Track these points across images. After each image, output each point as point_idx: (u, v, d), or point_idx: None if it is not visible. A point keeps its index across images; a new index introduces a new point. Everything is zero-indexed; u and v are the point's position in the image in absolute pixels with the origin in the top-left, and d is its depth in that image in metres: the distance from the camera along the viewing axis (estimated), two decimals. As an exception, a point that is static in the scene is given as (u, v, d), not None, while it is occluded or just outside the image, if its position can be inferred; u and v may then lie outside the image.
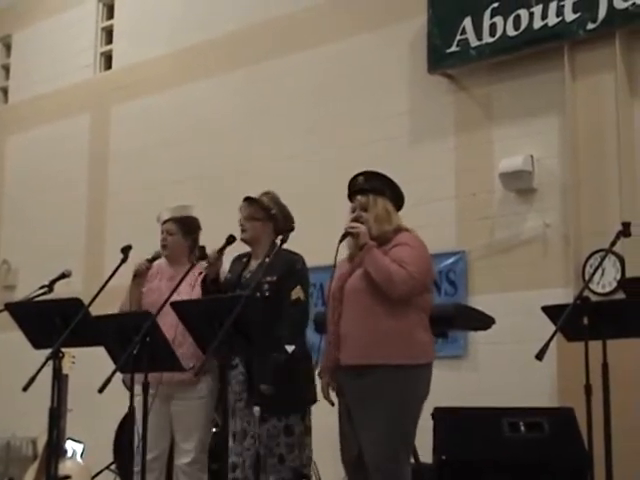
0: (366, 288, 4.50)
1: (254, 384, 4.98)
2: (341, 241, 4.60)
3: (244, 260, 5.31)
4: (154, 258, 5.52)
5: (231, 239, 5.11)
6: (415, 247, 4.57)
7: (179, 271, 5.47)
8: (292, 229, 5.24)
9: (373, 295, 4.47)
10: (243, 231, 5.26)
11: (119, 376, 4.94)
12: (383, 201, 4.66)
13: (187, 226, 5.65)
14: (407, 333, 4.47)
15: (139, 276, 5.50)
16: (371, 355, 4.44)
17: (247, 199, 5.32)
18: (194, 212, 5.78)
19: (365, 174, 4.74)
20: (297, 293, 5.09)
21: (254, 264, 5.25)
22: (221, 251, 5.11)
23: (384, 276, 4.42)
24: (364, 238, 4.53)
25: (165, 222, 5.63)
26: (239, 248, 5.36)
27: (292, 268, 5.13)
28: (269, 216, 5.25)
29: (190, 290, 5.33)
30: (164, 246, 5.60)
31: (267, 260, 5.13)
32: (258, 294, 4.91)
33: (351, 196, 4.75)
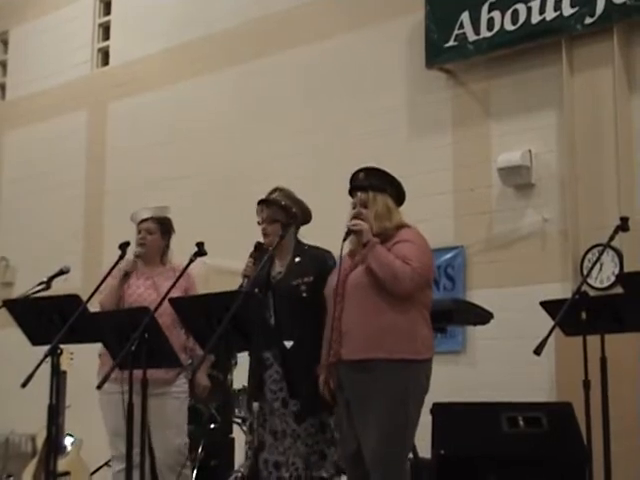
0: (368, 284, 4.49)
1: (290, 381, 4.95)
2: (345, 239, 4.58)
3: (265, 259, 5.11)
4: (138, 256, 5.51)
5: (259, 245, 5.03)
6: (418, 243, 4.57)
7: (154, 272, 5.52)
8: (309, 221, 5.23)
9: (375, 291, 4.47)
10: (266, 235, 5.10)
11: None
12: (383, 198, 4.65)
13: (165, 226, 5.65)
14: (409, 328, 4.47)
15: (128, 275, 5.48)
16: (373, 349, 4.43)
17: (264, 201, 5.18)
18: (179, 213, 5.77)
19: (365, 170, 4.73)
20: None
21: (279, 263, 5.14)
22: (255, 262, 4.97)
23: (389, 273, 4.42)
24: (367, 235, 4.52)
25: (144, 221, 5.61)
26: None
27: (324, 265, 5.01)
28: (289, 215, 5.14)
29: (178, 293, 5.32)
30: (142, 244, 5.56)
31: (297, 260, 5.10)
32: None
33: (352, 192, 4.75)
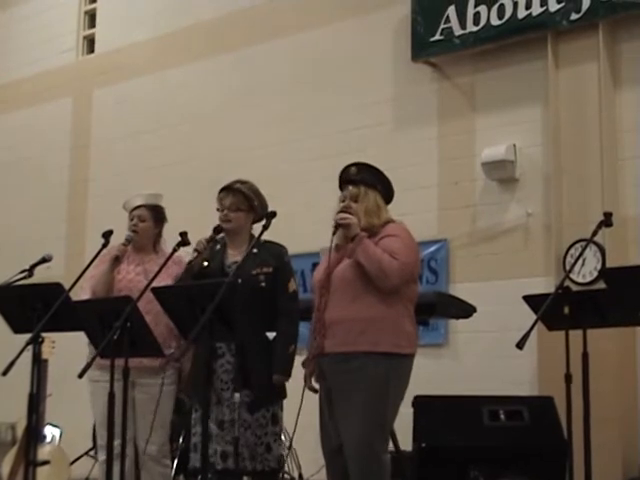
0: (354, 277, 4.48)
1: (247, 371, 4.97)
2: (334, 233, 4.56)
3: (218, 247, 5.23)
4: (128, 241, 5.48)
5: (219, 229, 5.09)
6: (404, 239, 4.56)
7: (145, 259, 5.48)
8: (268, 217, 5.22)
9: (361, 284, 4.46)
10: (227, 221, 5.18)
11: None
12: (374, 194, 4.64)
13: (158, 214, 5.62)
14: (394, 322, 4.47)
15: (119, 260, 5.44)
16: (356, 342, 4.43)
17: (228, 189, 5.25)
18: (163, 201, 5.73)
19: (358, 165, 4.71)
20: (293, 285, 5.13)
21: (233, 253, 5.18)
22: (210, 241, 5.08)
23: (376, 267, 4.41)
24: (355, 229, 4.51)
25: (136, 208, 5.59)
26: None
27: (281, 259, 5.13)
28: (251, 207, 5.21)
29: (169, 280, 5.31)
30: (134, 231, 5.52)
31: (255, 251, 5.10)
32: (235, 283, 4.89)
33: (342, 185, 4.74)
